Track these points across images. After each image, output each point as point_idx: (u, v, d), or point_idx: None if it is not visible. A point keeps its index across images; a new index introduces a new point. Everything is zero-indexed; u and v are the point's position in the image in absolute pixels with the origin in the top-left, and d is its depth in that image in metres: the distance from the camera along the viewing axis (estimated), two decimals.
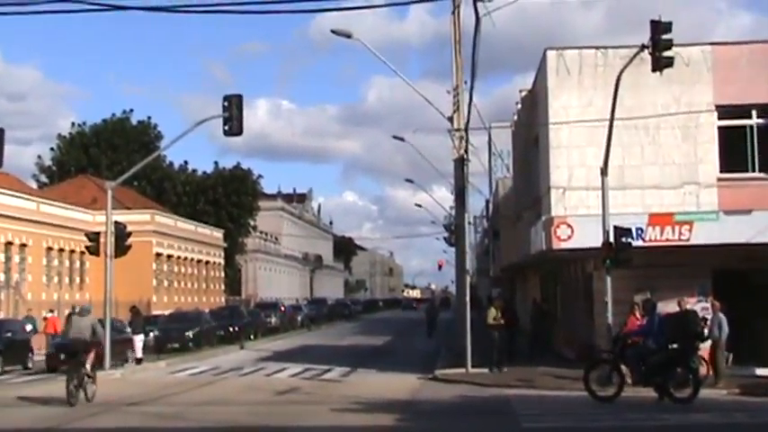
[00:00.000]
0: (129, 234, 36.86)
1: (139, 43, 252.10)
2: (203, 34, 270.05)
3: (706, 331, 25.85)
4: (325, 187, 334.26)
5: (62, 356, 33.19)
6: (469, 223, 50.15)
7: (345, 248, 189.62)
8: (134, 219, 62.08)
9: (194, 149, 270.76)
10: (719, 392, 25.30)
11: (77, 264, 67.54)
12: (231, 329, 54.55)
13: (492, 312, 33.38)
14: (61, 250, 64.96)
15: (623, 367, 24.06)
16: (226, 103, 32.92)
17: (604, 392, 23.63)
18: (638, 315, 26.81)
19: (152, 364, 38.53)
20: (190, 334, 47.02)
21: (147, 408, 24.28)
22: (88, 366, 25.91)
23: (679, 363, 23.29)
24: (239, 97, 32.99)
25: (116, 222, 36.47)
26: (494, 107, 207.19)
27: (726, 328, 27.36)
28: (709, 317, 27.70)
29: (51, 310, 51.48)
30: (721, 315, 27.50)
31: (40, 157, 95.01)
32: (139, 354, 38.45)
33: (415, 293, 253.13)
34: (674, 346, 23.43)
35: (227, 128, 32.87)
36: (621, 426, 19.69)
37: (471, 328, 33.29)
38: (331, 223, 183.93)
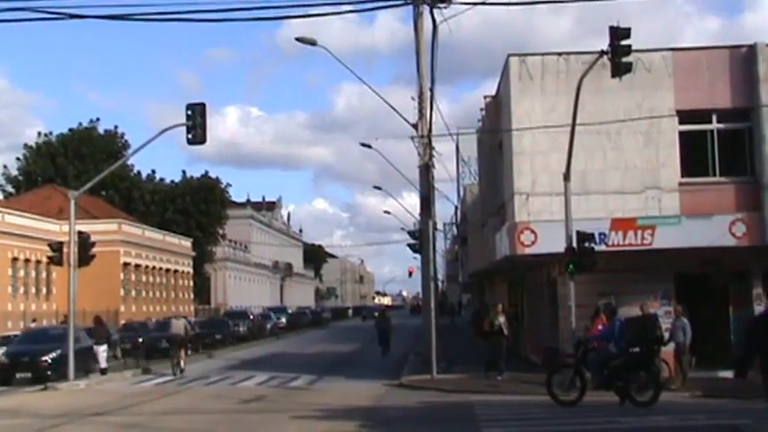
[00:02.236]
0: (93, 244, 36.69)
1: (107, 51, 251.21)
2: (170, 42, 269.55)
3: (666, 335, 26.02)
4: (296, 195, 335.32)
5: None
6: (437, 229, 50.22)
7: (316, 256, 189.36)
8: (101, 228, 61.99)
9: (163, 158, 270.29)
10: (682, 395, 25.47)
11: (44, 274, 67.19)
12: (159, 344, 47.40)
13: (493, 318, 33.17)
14: (27, 260, 64.64)
15: (585, 371, 24.15)
16: (189, 112, 32.79)
17: (567, 397, 23.71)
18: (603, 319, 26.94)
19: (117, 374, 38.32)
20: (47, 359, 36.34)
21: (112, 418, 24.21)
22: (182, 353, 39.28)
23: (640, 366, 23.38)
24: (202, 105, 32.91)
25: (80, 232, 36.28)
26: (463, 113, 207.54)
27: (689, 332, 27.53)
28: (671, 321, 27.89)
29: (34, 320, 51.51)
30: (684, 319, 27.68)
31: (5, 166, 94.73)
32: (104, 364, 38.20)
33: (386, 300, 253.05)
34: (636, 349, 23.50)
35: (190, 136, 32.74)
36: (582, 429, 19.77)
37: (441, 334, 33.33)
38: (301, 231, 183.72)
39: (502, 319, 32.79)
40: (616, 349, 23.76)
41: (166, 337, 43.07)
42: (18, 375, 35.88)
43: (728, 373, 28.86)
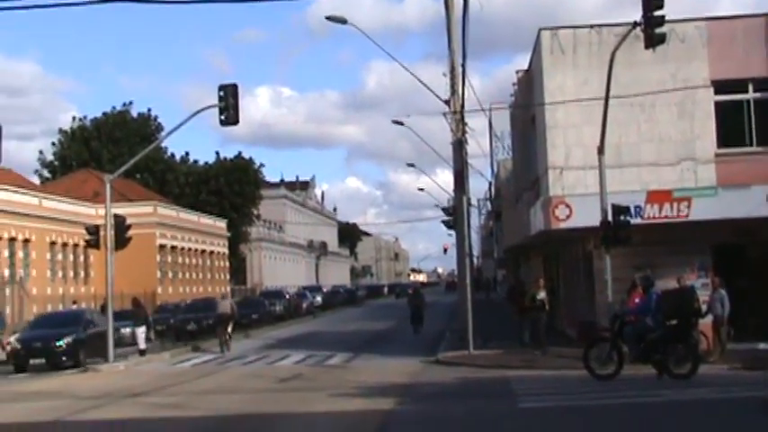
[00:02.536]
0: (129, 226, 36.85)
1: (138, 35, 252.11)
2: (200, 24, 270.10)
3: (704, 307, 25.85)
4: (329, 174, 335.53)
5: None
6: (471, 205, 50.16)
7: (350, 235, 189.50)
8: (136, 211, 62.48)
9: (196, 140, 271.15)
10: (721, 368, 25.25)
11: (81, 257, 67.72)
12: (206, 323, 47.29)
13: (535, 292, 33.16)
14: (65, 245, 65.15)
15: (623, 345, 24.06)
16: (221, 93, 32.86)
17: (604, 371, 23.61)
18: (640, 292, 26.76)
19: (156, 356, 38.57)
20: (61, 344, 34.85)
21: (151, 398, 24.34)
22: (229, 329, 40.88)
23: (678, 339, 23.25)
24: (234, 86, 32.95)
25: (116, 215, 36.46)
26: (495, 88, 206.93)
27: (727, 304, 27.33)
28: (708, 293, 27.72)
29: (75, 302, 51.98)
30: (722, 291, 27.47)
31: (41, 152, 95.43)
32: (143, 345, 38.45)
33: (421, 277, 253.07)
34: (673, 322, 23.36)
35: (223, 117, 32.83)
36: (619, 403, 19.67)
37: (477, 310, 33.28)
38: (335, 210, 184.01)
39: (543, 293, 32.75)
40: (653, 322, 23.65)
41: (214, 316, 43.92)
42: (32, 362, 34.63)
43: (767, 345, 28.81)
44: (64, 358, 34.65)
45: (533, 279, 37.76)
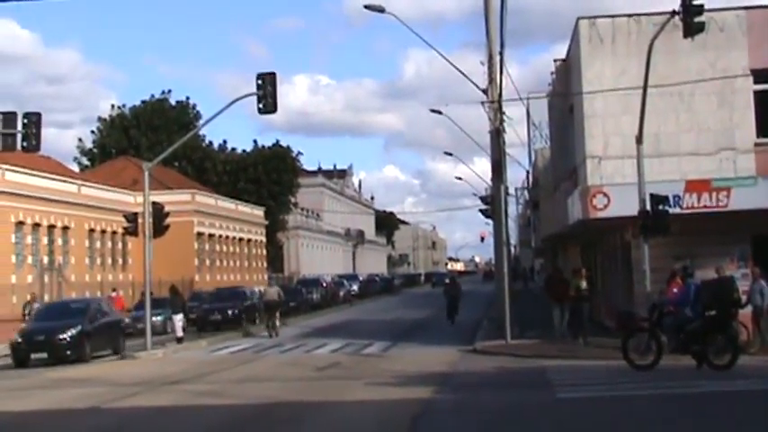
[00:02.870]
0: (167, 214, 37.06)
1: (177, 23, 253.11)
2: (238, 12, 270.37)
3: (744, 298, 25.67)
4: (367, 162, 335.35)
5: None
6: (508, 194, 50.08)
7: (387, 223, 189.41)
8: (174, 199, 62.78)
9: (234, 129, 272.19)
10: (761, 359, 25.08)
11: (119, 245, 68.14)
12: (230, 313, 47.54)
13: (578, 282, 33.00)
14: (103, 232, 65.57)
15: (661, 335, 23.96)
16: (259, 81, 33.03)
17: (643, 361, 23.52)
18: (679, 282, 26.60)
19: (193, 344, 38.80)
20: (65, 337, 33.19)
21: (188, 386, 24.53)
22: (277, 315, 43.38)
23: (717, 330, 23.12)
24: (273, 75, 33.10)
25: (154, 203, 36.67)
26: (533, 77, 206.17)
27: (767, 295, 27.17)
28: (748, 283, 27.54)
29: (114, 289, 52.42)
30: (762, 282, 27.30)
31: (80, 139, 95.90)
32: (180, 333, 38.71)
33: (459, 266, 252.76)
34: (712, 313, 23.24)
35: (261, 106, 33.01)
36: (658, 393, 19.59)
37: (514, 300, 33.22)
38: (372, 198, 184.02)
39: (586, 283, 32.58)
40: (692, 313, 23.52)
41: (263, 302, 45.84)
42: (33, 356, 32.95)
43: None
44: (68, 352, 32.94)
45: (574, 268, 37.47)
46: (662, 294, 27.20)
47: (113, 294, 49.55)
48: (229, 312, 47.49)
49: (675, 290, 26.17)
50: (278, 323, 43.06)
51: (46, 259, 57.16)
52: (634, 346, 23.96)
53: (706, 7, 24.66)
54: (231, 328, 45.34)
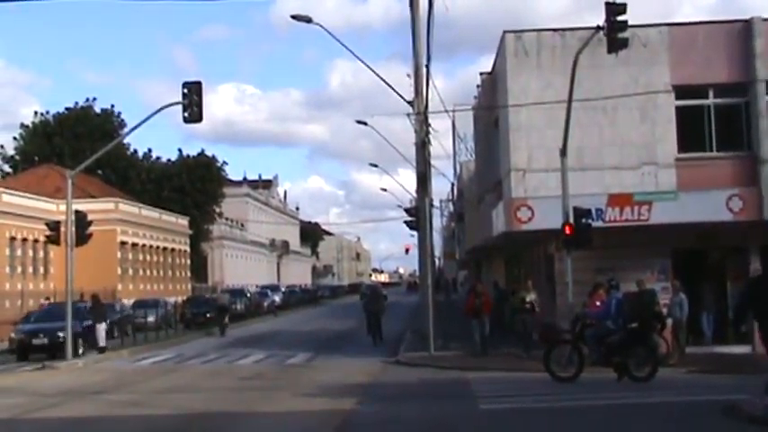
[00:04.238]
0: (90, 223, 36.66)
1: (102, 30, 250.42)
2: (165, 20, 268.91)
3: (665, 311, 26.04)
4: (292, 173, 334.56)
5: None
6: (433, 206, 50.27)
7: (312, 234, 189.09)
8: (98, 207, 61.97)
9: (159, 137, 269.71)
10: (680, 371, 25.46)
11: (41, 253, 67.04)
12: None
13: (524, 294, 32.66)
14: (24, 240, 64.50)
15: (583, 347, 24.18)
16: (185, 90, 32.77)
17: (564, 373, 23.70)
18: (602, 295, 26.83)
19: (114, 353, 38.37)
20: (64, 335, 35.27)
21: (112, 396, 24.27)
22: (226, 320, 51.55)
23: (638, 342, 23.42)
24: (199, 84, 32.86)
25: (77, 211, 36.26)
26: (459, 89, 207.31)
27: (686, 308, 27.67)
28: (669, 296, 27.94)
29: (47, 298, 51.72)
30: (682, 295, 27.81)
31: (2, 146, 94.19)
32: (102, 342, 38.25)
33: (383, 278, 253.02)
34: (634, 325, 23.52)
35: (186, 115, 32.73)
36: (579, 405, 19.77)
37: (438, 312, 33.25)
38: (297, 209, 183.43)
39: (533, 295, 32.44)
40: (613, 325, 23.79)
41: (216, 306, 54.08)
42: (33, 354, 36.55)
43: (726, 349, 29.08)
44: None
45: (523, 280, 37.03)
46: (584, 307, 27.45)
47: (44, 303, 48.90)
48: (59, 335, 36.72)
49: (598, 302, 26.43)
50: (226, 325, 50.85)
51: None
52: (556, 358, 24.13)
53: (630, 23, 24.97)
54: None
